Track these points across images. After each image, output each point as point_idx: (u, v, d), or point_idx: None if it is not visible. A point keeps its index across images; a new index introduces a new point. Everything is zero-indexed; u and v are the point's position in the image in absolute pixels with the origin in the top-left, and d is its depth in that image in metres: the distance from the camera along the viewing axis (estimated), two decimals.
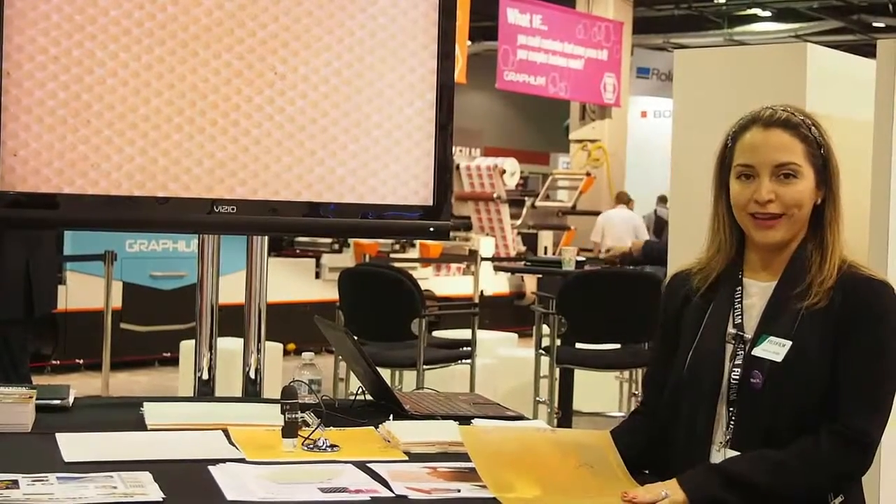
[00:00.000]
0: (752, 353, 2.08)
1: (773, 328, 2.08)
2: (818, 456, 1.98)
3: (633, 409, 6.25)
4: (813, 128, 2.12)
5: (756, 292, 2.15)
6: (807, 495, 1.99)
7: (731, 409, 2.10)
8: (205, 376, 3.06)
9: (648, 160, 17.47)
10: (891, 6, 17.54)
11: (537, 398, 6.16)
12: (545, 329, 6.09)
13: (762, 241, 2.13)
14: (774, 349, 2.06)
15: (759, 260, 2.17)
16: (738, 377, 2.09)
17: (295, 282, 10.01)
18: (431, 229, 3.05)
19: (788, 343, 2.05)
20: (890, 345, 2.03)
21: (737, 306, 2.16)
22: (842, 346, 2.03)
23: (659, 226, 14.77)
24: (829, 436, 1.99)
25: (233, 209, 2.88)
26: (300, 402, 2.27)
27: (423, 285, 6.93)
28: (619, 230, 13.39)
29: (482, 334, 7.19)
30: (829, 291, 2.06)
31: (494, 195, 13.37)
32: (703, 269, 2.22)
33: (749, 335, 2.11)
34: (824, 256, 2.09)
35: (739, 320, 2.14)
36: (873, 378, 2.03)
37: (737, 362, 2.10)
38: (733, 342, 2.13)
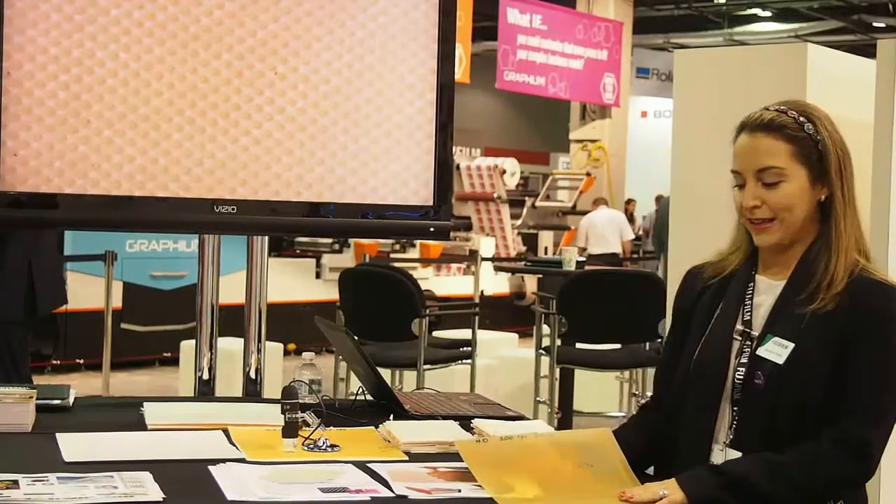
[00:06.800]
0: (757, 352, 2.08)
1: (779, 329, 2.07)
2: (818, 462, 1.97)
3: (633, 409, 6.28)
4: (808, 124, 2.09)
5: (766, 290, 2.15)
6: (806, 500, 1.99)
7: (734, 407, 2.09)
8: (205, 376, 3.05)
9: (648, 160, 17.50)
10: (891, 6, 17.55)
11: (537, 398, 6.16)
12: (545, 329, 6.08)
13: (760, 244, 2.14)
14: (777, 350, 2.05)
15: (769, 259, 2.17)
16: (741, 376, 2.09)
17: (295, 282, 10.01)
18: (432, 229, 3.05)
19: (791, 345, 2.04)
20: None
21: (747, 303, 2.15)
22: (848, 351, 2.01)
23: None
24: (829, 442, 1.98)
25: (233, 209, 2.88)
26: (300, 402, 2.27)
27: (424, 285, 6.94)
28: (604, 230, 13.40)
29: (482, 334, 7.19)
30: (837, 297, 2.04)
31: (495, 195, 13.37)
32: (719, 263, 2.22)
33: (756, 333, 2.11)
34: (831, 256, 2.08)
35: (748, 317, 2.13)
36: (878, 386, 2.01)
37: (742, 360, 2.10)
38: (740, 339, 2.12)
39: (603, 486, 1.98)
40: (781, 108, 2.13)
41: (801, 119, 2.10)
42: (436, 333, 6.95)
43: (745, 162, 2.11)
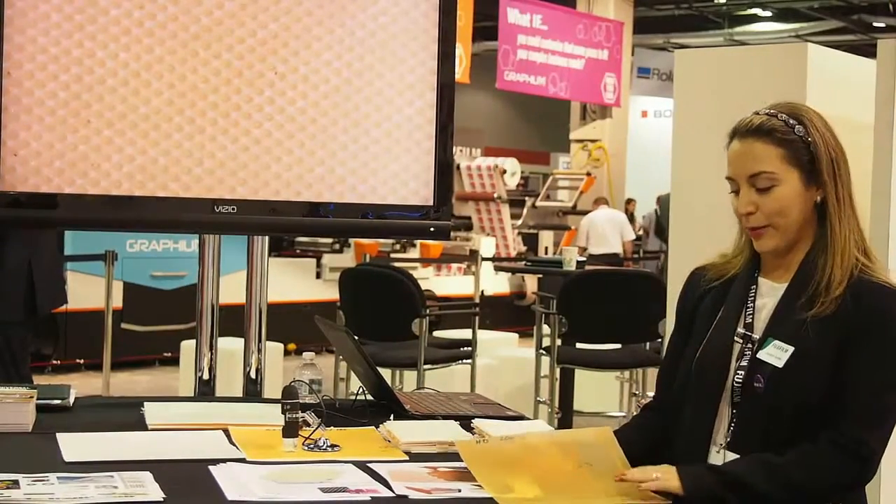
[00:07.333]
0: (757, 355, 2.07)
1: (779, 332, 2.07)
2: (816, 463, 1.97)
3: (633, 409, 6.28)
4: (798, 126, 2.07)
5: (768, 293, 2.14)
6: (805, 501, 1.98)
7: (733, 410, 2.09)
8: (205, 376, 3.06)
9: (649, 160, 17.49)
10: (891, 6, 17.55)
11: (538, 398, 6.17)
12: (546, 329, 6.09)
13: (759, 250, 2.14)
14: (777, 354, 2.04)
15: (771, 262, 2.16)
16: (741, 378, 2.08)
17: (295, 282, 10.02)
18: (432, 229, 3.05)
19: (791, 349, 2.03)
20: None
21: (748, 305, 2.15)
22: (848, 353, 2.01)
23: (659, 226, 14.81)
24: (827, 444, 1.98)
25: (233, 209, 2.88)
26: (301, 401, 2.27)
27: (424, 285, 6.93)
28: (605, 230, 13.41)
29: (483, 334, 7.19)
30: (837, 300, 2.03)
31: (495, 195, 13.38)
32: (723, 266, 2.22)
33: (757, 336, 2.10)
34: (828, 258, 2.07)
35: (750, 320, 2.13)
36: (878, 388, 2.00)
37: (742, 363, 2.09)
38: (741, 341, 2.12)
39: (603, 486, 1.98)
40: (771, 111, 2.11)
41: (792, 121, 2.08)
42: (436, 333, 6.95)
43: (737, 168, 2.11)
